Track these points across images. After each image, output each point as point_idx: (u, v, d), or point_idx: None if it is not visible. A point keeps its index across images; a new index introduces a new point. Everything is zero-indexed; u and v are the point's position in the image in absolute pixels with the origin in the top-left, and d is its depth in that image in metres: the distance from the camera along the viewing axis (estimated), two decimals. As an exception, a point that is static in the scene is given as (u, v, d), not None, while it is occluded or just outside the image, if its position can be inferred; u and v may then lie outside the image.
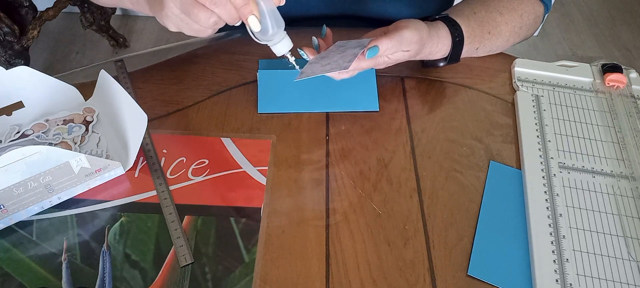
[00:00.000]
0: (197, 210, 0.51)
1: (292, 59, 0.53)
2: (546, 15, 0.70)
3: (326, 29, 0.59)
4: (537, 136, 0.58)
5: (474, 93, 0.64)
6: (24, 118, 0.56)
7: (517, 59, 0.67)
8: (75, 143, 0.55)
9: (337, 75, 0.56)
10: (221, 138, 0.57)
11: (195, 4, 0.44)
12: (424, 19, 0.63)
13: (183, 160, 0.55)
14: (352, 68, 0.54)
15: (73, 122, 0.57)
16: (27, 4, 1.45)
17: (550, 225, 0.50)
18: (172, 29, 0.48)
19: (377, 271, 0.47)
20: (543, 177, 0.54)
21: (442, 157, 0.56)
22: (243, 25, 0.48)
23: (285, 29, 0.50)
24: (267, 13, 0.47)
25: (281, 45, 0.50)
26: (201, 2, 0.44)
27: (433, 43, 0.59)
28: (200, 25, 0.46)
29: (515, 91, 0.64)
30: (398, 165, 0.55)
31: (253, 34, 0.49)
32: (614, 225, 0.50)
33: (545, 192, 0.52)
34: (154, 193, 0.52)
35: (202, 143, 0.57)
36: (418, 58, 0.60)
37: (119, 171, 0.53)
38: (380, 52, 0.54)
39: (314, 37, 0.58)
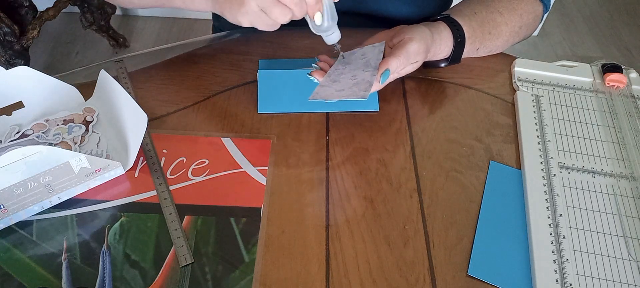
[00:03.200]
0: (197, 210, 0.51)
1: (338, 47, 0.58)
2: (545, 15, 0.70)
3: (320, 57, 0.61)
4: (537, 136, 0.58)
5: (474, 93, 0.64)
6: (24, 118, 0.56)
7: (517, 59, 0.67)
8: (75, 143, 0.55)
9: None
10: (221, 138, 0.57)
11: (276, 3, 0.48)
12: (423, 19, 0.63)
13: (183, 160, 0.55)
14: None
15: (73, 122, 0.57)
16: (27, 4, 1.45)
17: (550, 225, 0.50)
18: (245, 24, 0.51)
19: (377, 271, 0.47)
20: (543, 177, 0.54)
21: (442, 157, 0.56)
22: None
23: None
24: (326, 8, 0.53)
25: (333, 36, 0.56)
26: (282, 1, 0.48)
27: (436, 45, 0.59)
28: (274, 21, 0.50)
29: (515, 91, 0.64)
30: (398, 165, 0.55)
31: (312, 26, 0.55)
32: (614, 225, 0.50)
33: (545, 192, 0.52)
34: (154, 193, 0.52)
35: (202, 143, 0.57)
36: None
37: (119, 171, 0.53)
38: (391, 72, 0.55)
39: (316, 58, 0.62)
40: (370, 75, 0.54)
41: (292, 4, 0.49)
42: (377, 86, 0.56)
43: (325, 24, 0.54)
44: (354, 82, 0.55)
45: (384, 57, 0.56)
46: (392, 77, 0.57)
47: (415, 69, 0.58)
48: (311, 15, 0.52)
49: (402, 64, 0.55)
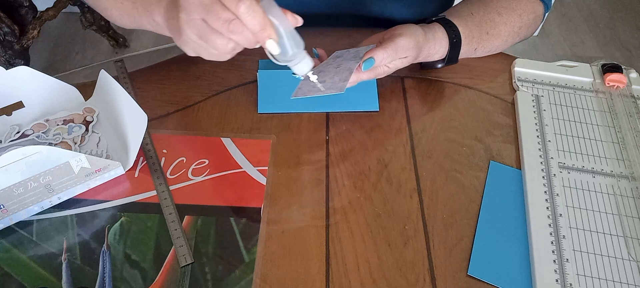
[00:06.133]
0: (197, 210, 0.51)
1: (314, 78, 0.52)
2: (546, 15, 0.70)
3: (318, 51, 0.60)
4: (537, 136, 0.58)
5: (474, 93, 0.64)
6: (24, 118, 0.56)
7: (517, 59, 0.67)
8: (75, 143, 0.55)
9: None
10: (221, 138, 0.57)
11: (213, 32, 0.44)
12: (422, 21, 0.63)
13: (183, 160, 0.55)
14: (353, 80, 0.55)
15: (73, 122, 0.57)
16: (27, 4, 1.45)
17: (550, 225, 0.50)
18: (191, 53, 0.47)
19: (377, 271, 0.47)
20: (543, 177, 0.54)
21: (442, 157, 0.56)
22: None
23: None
24: (284, 35, 0.47)
25: (302, 65, 0.50)
26: (218, 31, 0.44)
27: (430, 45, 0.59)
28: (219, 51, 0.46)
29: (515, 91, 0.64)
30: (398, 165, 0.55)
31: (272, 56, 0.48)
32: (614, 225, 0.50)
33: (545, 192, 0.52)
34: (154, 193, 0.52)
35: (202, 143, 0.57)
36: (416, 61, 0.60)
37: (119, 171, 0.53)
38: (377, 63, 0.55)
39: (313, 49, 0.60)
40: (353, 64, 0.54)
41: (230, 33, 0.43)
42: (360, 75, 0.55)
43: (290, 52, 0.47)
44: (336, 71, 0.54)
45: None
46: (380, 71, 0.57)
47: (405, 65, 0.58)
48: (262, 44, 0.46)
49: (389, 57, 0.55)
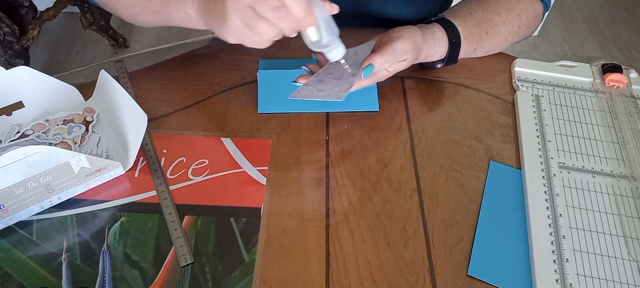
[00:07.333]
0: (197, 210, 0.51)
1: (345, 63, 0.54)
2: (546, 14, 0.70)
3: (317, 56, 0.61)
4: (537, 136, 0.58)
5: (474, 93, 0.64)
6: (24, 118, 0.56)
7: (517, 59, 0.67)
8: (75, 143, 0.55)
9: None
10: (221, 138, 0.57)
11: (260, 19, 0.45)
12: (421, 21, 0.63)
13: (183, 160, 0.55)
14: (353, 88, 0.55)
15: (73, 122, 0.57)
16: (27, 4, 1.45)
17: (550, 225, 0.50)
18: (232, 41, 0.49)
19: (377, 271, 0.47)
20: (543, 177, 0.54)
21: (442, 157, 0.56)
22: None
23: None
24: (322, 22, 0.48)
25: (336, 51, 0.52)
26: (265, 17, 0.45)
27: (429, 46, 0.59)
28: (262, 38, 0.47)
29: (515, 91, 0.64)
30: (398, 165, 0.55)
31: (309, 43, 0.50)
32: (614, 225, 0.50)
33: (545, 192, 0.52)
34: (154, 193, 0.52)
35: (202, 143, 0.57)
36: (416, 61, 0.60)
37: (119, 171, 0.53)
38: (376, 69, 0.55)
39: (313, 56, 0.60)
40: (353, 74, 0.54)
41: (277, 19, 0.45)
42: (360, 82, 0.55)
43: (325, 39, 0.49)
44: (337, 78, 0.54)
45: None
46: (380, 75, 0.57)
47: (404, 68, 0.58)
48: (303, 31, 0.48)
49: (388, 61, 0.55)
